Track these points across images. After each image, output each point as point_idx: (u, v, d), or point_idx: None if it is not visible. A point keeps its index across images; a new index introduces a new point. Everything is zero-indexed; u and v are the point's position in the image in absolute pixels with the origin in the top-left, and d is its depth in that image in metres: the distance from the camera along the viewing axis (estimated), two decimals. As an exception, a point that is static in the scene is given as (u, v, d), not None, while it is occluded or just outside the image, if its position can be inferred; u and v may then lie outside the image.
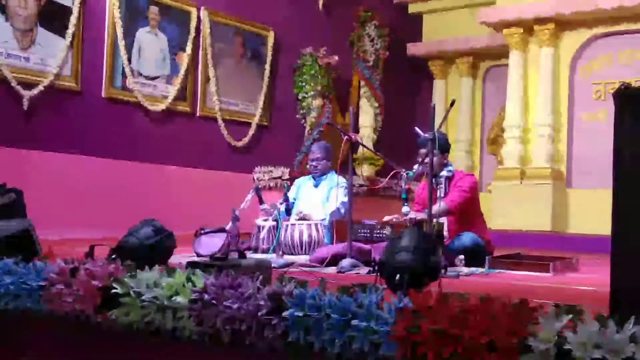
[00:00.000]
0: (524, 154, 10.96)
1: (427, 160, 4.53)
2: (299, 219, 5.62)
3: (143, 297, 2.72)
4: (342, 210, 5.70)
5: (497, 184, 10.99)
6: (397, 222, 5.04)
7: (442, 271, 2.88)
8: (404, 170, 5.14)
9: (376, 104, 11.54)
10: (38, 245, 3.78)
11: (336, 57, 10.49)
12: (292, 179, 7.42)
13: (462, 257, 5.10)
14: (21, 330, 3.13)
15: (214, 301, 2.55)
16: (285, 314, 2.37)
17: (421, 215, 4.98)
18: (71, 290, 2.91)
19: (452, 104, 4.87)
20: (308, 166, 6.65)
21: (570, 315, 1.90)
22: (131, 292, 2.77)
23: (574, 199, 10.65)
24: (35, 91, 7.41)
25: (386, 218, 5.19)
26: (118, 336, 2.78)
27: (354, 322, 2.23)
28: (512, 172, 10.82)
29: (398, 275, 2.70)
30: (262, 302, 2.45)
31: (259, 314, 2.43)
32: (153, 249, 3.32)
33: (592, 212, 8.97)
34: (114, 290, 2.81)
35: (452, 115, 11.86)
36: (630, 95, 2.19)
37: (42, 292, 3.00)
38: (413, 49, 12.91)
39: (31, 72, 7.43)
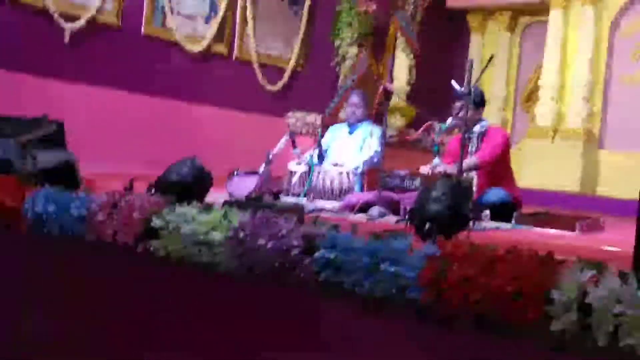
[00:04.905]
0: (557, 113, 10.90)
1: (461, 113, 4.57)
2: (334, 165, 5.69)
3: (181, 231, 2.83)
4: (376, 160, 5.74)
5: (528, 142, 10.96)
6: (428, 174, 5.09)
7: (470, 225, 2.94)
8: (437, 122, 5.17)
9: (412, 55, 11.44)
10: (80, 178, 3.89)
11: (374, 5, 10.39)
12: (324, 126, 7.46)
13: (487, 212, 5.15)
14: (65, 256, 3.26)
15: (249, 238, 2.65)
16: (317, 254, 2.47)
17: (451, 169, 5.03)
18: (112, 221, 3.02)
19: (490, 60, 4.88)
20: (345, 112, 6.66)
21: (594, 270, 1.97)
22: (169, 226, 2.88)
23: (605, 160, 10.60)
24: (77, 24, 7.49)
25: (422, 168, 5.24)
26: (157, 266, 2.90)
27: (383, 265, 2.32)
28: (545, 131, 10.78)
29: (428, 224, 2.78)
30: (295, 242, 2.55)
31: (292, 253, 2.53)
32: (191, 187, 3.40)
33: (623, 175, 8.96)
34: (153, 223, 2.92)
35: (487, 71, 11.74)
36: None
37: (84, 221, 3.12)
38: (452, 0, 12.75)
39: (73, 5, 7.50)
